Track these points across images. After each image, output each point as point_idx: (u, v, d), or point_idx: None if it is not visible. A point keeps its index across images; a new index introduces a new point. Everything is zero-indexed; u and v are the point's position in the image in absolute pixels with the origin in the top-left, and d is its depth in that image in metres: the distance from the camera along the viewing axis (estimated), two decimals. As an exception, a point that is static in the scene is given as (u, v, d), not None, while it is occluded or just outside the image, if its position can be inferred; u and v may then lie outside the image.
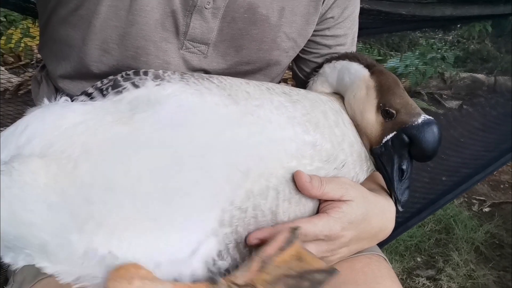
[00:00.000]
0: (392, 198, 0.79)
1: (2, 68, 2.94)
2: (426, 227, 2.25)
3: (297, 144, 0.70)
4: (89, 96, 0.72)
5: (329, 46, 0.97)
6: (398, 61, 3.42)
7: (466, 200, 2.59)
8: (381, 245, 0.98)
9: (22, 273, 0.75)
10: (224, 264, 0.62)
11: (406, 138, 0.74)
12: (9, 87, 2.70)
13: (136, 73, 0.72)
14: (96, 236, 0.56)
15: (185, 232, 0.60)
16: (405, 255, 2.08)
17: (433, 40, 3.92)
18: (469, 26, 3.27)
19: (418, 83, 3.36)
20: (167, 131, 0.63)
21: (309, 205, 0.71)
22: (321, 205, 0.71)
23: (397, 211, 0.79)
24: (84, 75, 0.86)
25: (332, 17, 0.94)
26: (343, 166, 0.74)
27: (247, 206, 0.64)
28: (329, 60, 0.91)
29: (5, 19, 2.97)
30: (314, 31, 0.94)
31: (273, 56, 0.91)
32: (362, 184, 0.82)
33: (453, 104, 4.04)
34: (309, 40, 0.96)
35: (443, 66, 3.58)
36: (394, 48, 4.24)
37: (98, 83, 0.73)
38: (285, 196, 0.68)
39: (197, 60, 0.86)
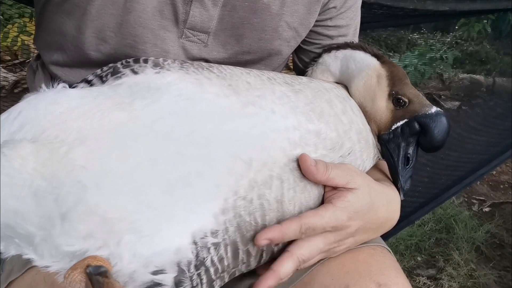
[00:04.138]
0: (397, 187, 0.78)
1: (-1, 66, 2.92)
2: (426, 226, 2.24)
3: (301, 133, 0.68)
4: (89, 83, 0.70)
5: (331, 37, 0.95)
6: (397, 61, 3.41)
7: (466, 200, 2.58)
8: (384, 238, 0.96)
9: (11, 261, 0.73)
10: (215, 242, 0.59)
11: (417, 126, 0.75)
12: (5, 85, 2.68)
13: (136, 61, 0.70)
14: (83, 224, 0.53)
15: (185, 224, 0.57)
16: (405, 254, 2.06)
17: (432, 41, 3.91)
18: (468, 27, 3.27)
19: (417, 83, 3.36)
20: (168, 120, 0.61)
21: (314, 193, 0.69)
22: (326, 194, 0.69)
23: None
24: (83, 64, 0.84)
25: (334, 7, 0.92)
26: (349, 154, 0.73)
27: (252, 196, 0.62)
28: (328, 50, 0.90)
29: (1, 17, 2.95)
30: (316, 21, 0.93)
31: (274, 45, 0.89)
32: (368, 173, 0.81)
33: (452, 104, 4.03)
34: (310, 31, 0.94)
35: (442, 67, 3.57)
36: (393, 49, 4.24)
37: (98, 71, 0.71)
38: (290, 185, 0.66)
39: (197, 49, 0.84)
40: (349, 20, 0.95)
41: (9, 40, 2.87)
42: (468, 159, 1.61)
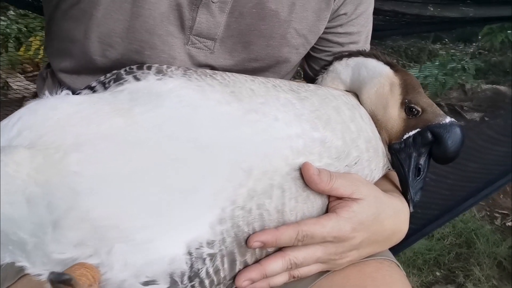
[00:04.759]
0: (406, 198, 0.75)
1: (21, 76, 2.97)
2: (446, 240, 2.17)
3: (305, 141, 0.66)
4: (92, 89, 0.70)
5: (341, 44, 0.93)
6: (417, 71, 3.36)
7: (488, 213, 2.50)
8: (395, 251, 0.93)
9: (5, 269, 0.73)
10: (211, 252, 0.58)
11: (430, 136, 0.73)
12: (26, 94, 2.73)
13: (140, 68, 0.70)
14: (74, 232, 0.52)
15: (180, 233, 0.56)
16: (423, 269, 2.00)
17: (453, 51, 3.85)
18: (491, 37, 3.20)
19: (437, 93, 3.30)
20: (166, 127, 0.60)
21: (318, 203, 0.67)
22: (330, 204, 0.67)
23: (410, 212, 0.76)
24: (90, 70, 0.84)
25: (345, 14, 0.91)
26: (355, 163, 0.71)
27: (250, 206, 0.60)
28: (339, 58, 0.88)
29: (25, 28, 3.02)
30: (326, 28, 0.91)
31: (282, 53, 0.87)
32: (377, 183, 0.78)
33: (474, 115, 3.95)
34: (320, 38, 0.92)
35: (463, 77, 3.51)
36: (414, 59, 4.19)
37: (102, 77, 0.71)
38: (292, 194, 0.64)
39: (203, 56, 0.83)
40: (360, 27, 0.93)
41: (31, 52, 2.93)
42: (487, 170, 1.56)
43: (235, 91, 0.67)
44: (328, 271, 0.70)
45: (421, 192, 0.76)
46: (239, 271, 0.62)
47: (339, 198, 0.67)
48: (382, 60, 0.83)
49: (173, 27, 0.80)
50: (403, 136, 0.75)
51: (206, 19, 0.80)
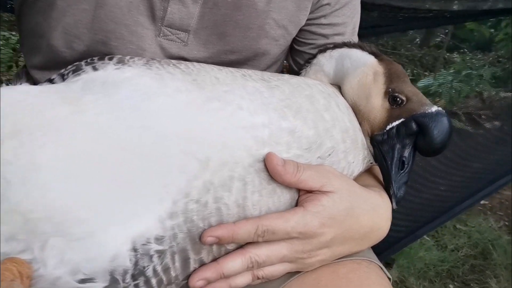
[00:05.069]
0: (389, 194, 0.70)
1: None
2: (460, 251, 2.07)
3: (271, 131, 0.61)
4: (51, 82, 0.67)
5: (326, 36, 0.88)
6: (431, 79, 3.28)
7: (507, 223, 2.39)
8: (385, 254, 0.87)
9: None
10: (159, 249, 0.53)
11: (414, 126, 0.68)
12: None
13: (101, 58, 0.67)
14: (5, 225, 0.47)
15: (124, 227, 0.51)
16: (435, 282, 1.91)
17: (468, 57, 3.75)
18: (507, 42, 3.10)
19: (453, 101, 3.20)
20: (115, 115, 0.56)
21: (285, 197, 0.61)
22: (300, 198, 0.62)
23: (393, 209, 0.70)
24: (59, 64, 0.80)
25: (328, 4, 0.86)
26: (329, 155, 0.65)
27: (206, 199, 0.56)
28: (323, 50, 0.84)
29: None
30: (309, 19, 0.87)
31: (261, 44, 0.83)
32: (358, 179, 0.73)
33: (493, 125, 3.82)
34: (304, 30, 0.88)
35: (480, 85, 3.40)
36: (429, 68, 4.10)
37: (63, 70, 0.68)
38: (255, 188, 0.59)
39: (176, 48, 0.80)
40: (345, 18, 0.89)
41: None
42: (487, 171, 1.48)
43: (198, 79, 0.63)
44: (299, 272, 0.64)
45: (405, 187, 0.70)
46: (194, 270, 0.57)
47: (309, 191, 0.61)
48: (366, 50, 0.79)
49: (143, 17, 0.76)
50: (386, 127, 0.70)
51: (178, 9, 0.77)
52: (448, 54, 4.26)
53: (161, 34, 0.78)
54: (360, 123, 0.73)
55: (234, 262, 0.57)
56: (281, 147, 0.61)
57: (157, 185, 0.53)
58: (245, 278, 0.60)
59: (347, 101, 0.75)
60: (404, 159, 0.69)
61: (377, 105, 0.71)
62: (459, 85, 3.04)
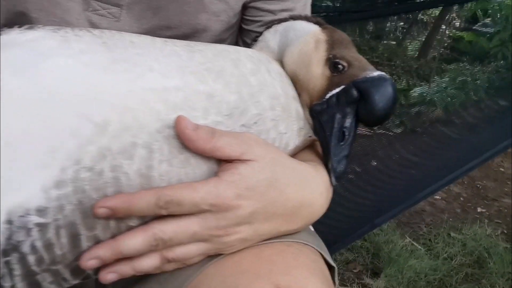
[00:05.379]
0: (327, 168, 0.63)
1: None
2: (454, 260, 1.97)
3: (186, 94, 0.55)
4: None
5: (273, 12, 0.83)
6: (426, 87, 3.22)
7: (506, 232, 2.29)
8: (338, 244, 0.79)
9: None
10: (41, 222, 0.46)
11: (355, 93, 0.61)
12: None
13: (11, 26, 0.61)
14: None
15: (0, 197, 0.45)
16: (426, 291, 1.81)
17: (462, 64, 3.70)
18: (501, 48, 3.04)
19: (449, 109, 3.13)
20: (4, 75, 0.50)
21: (202, 169, 0.54)
22: (219, 169, 0.55)
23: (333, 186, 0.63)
24: None
25: None
26: (255, 122, 0.59)
27: (102, 167, 0.49)
28: (269, 27, 0.78)
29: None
30: (255, -6, 0.82)
31: (200, 20, 0.78)
32: (298, 155, 0.66)
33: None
34: (250, 7, 0.83)
35: (478, 93, 3.33)
36: (425, 78, 4.04)
37: None
38: (163, 156, 0.52)
39: (107, 24, 0.74)
40: (294, -8, 0.84)
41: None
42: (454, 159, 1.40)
43: (108, 42, 0.57)
44: (220, 255, 0.57)
45: (346, 161, 0.63)
46: (87, 248, 0.50)
47: (229, 161, 0.55)
48: (312, 21, 0.73)
49: None
50: (325, 95, 0.64)
51: None
52: (445, 64, 4.20)
53: (90, 8, 0.73)
54: (299, 94, 0.67)
55: (135, 239, 0.50)
56: (197, 112, 0.55)
57: (43, 150, 0.47)
58: (153, 261, 0.52)
59: (287, 72, 0.69)
60: (345, 129, 0.62)
61: (317, 73, 0.65)
62: (453, 92, 2.97)
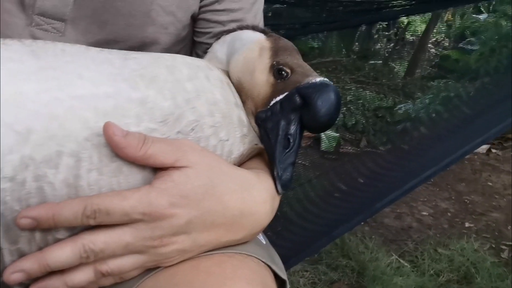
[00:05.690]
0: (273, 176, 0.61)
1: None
2: (441, 276, 1.93)
3: (117, 101, 0.54)
4: None
5: (222, 23, 0.82)
6: (411, 104, 3.22)
7: (494, 246, 2.26)
8: (294, 259, 0.76)
9: None
10: None
11: (298, 100, 0.61)
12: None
13: None
14: None
15: None
16: (412, 309, 1.77)
17: (444, 81, 3.72)
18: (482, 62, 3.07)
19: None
20: None
21: (136, 178, 0.52)
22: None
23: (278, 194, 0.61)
24: None
25: None
26: (192, 129, 0.57)
27: (24, 177, 0.47)
28: (219, 38, 0.78)
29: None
30: (203, 6, 0.81)
31: (147, 33, 0.77)
32: (245, 164, 0.65)
33: (481, 148, 3.73)
34: (200, 19, 0.83)
35: (461, 108, 3.34)
36: (411, 96, 4.06)
37: None
38: (93, 165, 0.50)
39: (51, 39, 0.73)
40: (243, 4, 0.83)
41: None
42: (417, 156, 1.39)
43: (37, 51, 0.56)
44: (159, 268, 0.54)
45: (292, 169, 0.61)
46: (10, 263, 0.47)
47: (164, 169, 0.53)
48: (258, 30, 0.73)
49: (10, 4, 0.71)
50: (270, 102, 0.63)
51: None
52: (431, 82, 4.23)
53: (33, 23, 0.72)
54: (244, 102, 0.66)
55: (62, 250, 0.48)
56: (129, 119, 0.53)
57: None
58: (86, 274, 0.50)
59: (233, 80, 0.68)
60: (289, 136, 0.61)
61: (262, 80, 0.65)
62: (436, 108, 2.97)
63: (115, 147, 0.50)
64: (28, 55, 0.55)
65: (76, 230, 0.50)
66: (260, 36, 0.71)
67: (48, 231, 0.49)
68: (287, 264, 1.21)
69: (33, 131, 0.49)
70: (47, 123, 0.49)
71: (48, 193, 0.48)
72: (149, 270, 0.54)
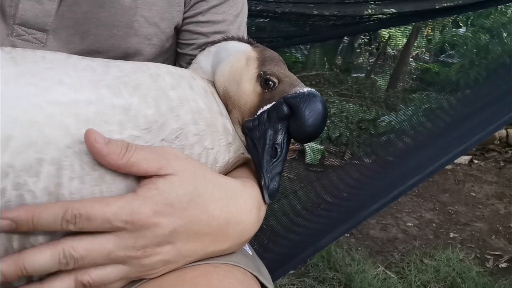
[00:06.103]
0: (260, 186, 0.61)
1: None
2: (427, 286, 1.93)
3: (99, 108, 0.53)
4: None
5: (205, 35, 0.82)
6: (394, 116, 3.26)
7: (479, 256, 2.27)
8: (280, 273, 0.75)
9: None
10: None
11: (285, 109, 0.61)
12: None
13: None
14: None
15: None
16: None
17: (425, 93, 3.78)
18: (463, 74, 3.12)
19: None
20: None
21: (119, 186, 0.51)
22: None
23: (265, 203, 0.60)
24: None
25: (204, 0, 0.81)
26: (176, 137, 0.57)
27: (4, 185, 0.46)
28: (203, 49, 0.78)
29: None
30: (187, 18, 0.81)
31: (130, 43, 0.76)
32: (231, 173, 0.64)
33: (463, 159, 3.78)
34: (183, 31, 0.82)
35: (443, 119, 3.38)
36: (394, 108, 4.10)
37: None
38: (75, 173, 0.49)
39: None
40: (226, 16, 0.83)
41: None
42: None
43: (16, 57, 0.55)
44: (142, 280, 0.53)
45: (279, 178, 0.61)
46: None
47: (148, 177, 0.52)
48: (243, 41, 0.73)
49: None
50: (257, 112, 0.62)
51: (32, 6, 0.70)
52: (413, 95, 4.29)
53: (14, 34, 0.71)
54: (230, 111, 0.66)
55: (41, 254, 0.46)
56: (112, 126, 0.52)
57: None
58: (65, 284, 0.48)
59: (219, 90, 0.68)
60: (277, 146, 0.61)
61: (248, 90, 0.65)
62: (419, 119, 3.00)
63: (97, 155, 0.49)
64: (7, 61, 0.54)
65: (57, 235, 0.49)
66: (246, 47, 0.71)
67: (26, 234, 0.48)
68: (273, 276, 1.19)
69: (12, 138, 0.47)
70: (26, 130, 0.48)
71: (29, 201, 0.47)
72: (134, 282, 0.53)
